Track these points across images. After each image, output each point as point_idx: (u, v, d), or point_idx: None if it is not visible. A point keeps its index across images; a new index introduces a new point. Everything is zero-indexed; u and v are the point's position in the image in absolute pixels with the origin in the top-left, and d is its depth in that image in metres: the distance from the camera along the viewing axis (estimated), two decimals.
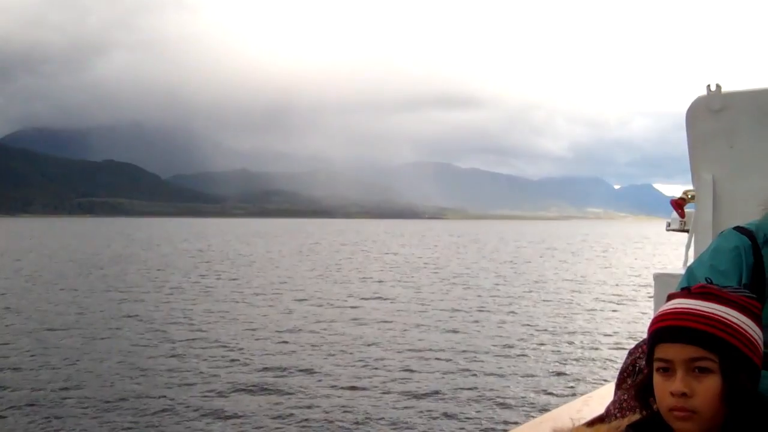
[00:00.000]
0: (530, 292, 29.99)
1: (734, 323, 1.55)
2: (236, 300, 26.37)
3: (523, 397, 12.82)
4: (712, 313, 1.55)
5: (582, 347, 17.62)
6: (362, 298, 27.27)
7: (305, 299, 26.75)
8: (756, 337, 1.58)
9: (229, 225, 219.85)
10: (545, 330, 19.98)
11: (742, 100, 3.73)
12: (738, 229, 1.94)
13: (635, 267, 45.81)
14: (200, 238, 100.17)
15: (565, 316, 22.82)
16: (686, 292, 1.62)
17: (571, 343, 18.17)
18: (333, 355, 16.28)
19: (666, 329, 1.57)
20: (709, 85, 3.80)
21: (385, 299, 27.02)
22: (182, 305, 24.82)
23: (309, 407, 11.96)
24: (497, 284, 33.33)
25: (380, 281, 34.80)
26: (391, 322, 21.27)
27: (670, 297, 1.65)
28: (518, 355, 16.45)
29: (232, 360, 15.66)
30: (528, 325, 20.93)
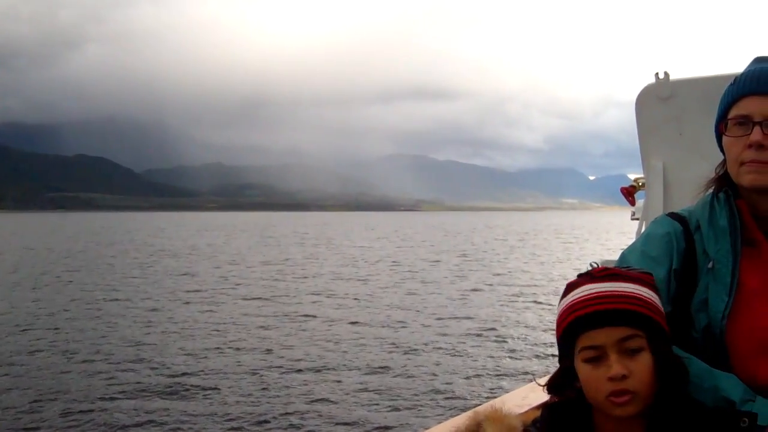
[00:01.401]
0: (485, 285, 29.08)
1: (649, 299, 1.58)
2: (173, 299, 25.12)
3: (461, 392, 12.10)
4: (631, 292, 1.56)
5: (526, 342, 16.70)
6: (308, 293, 26.18)
7: (247, 296, 25.58)
8: (663, 311, 1.63)
9: (200, 219, 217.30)
10: (493, 325, 19.01)
11: (690, 88, 3.79)
12: (671, 215, 1.97)
13: (598, 257, 45.15)
14: (165, 232, 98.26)
15: (516, 310, 21.91)
16: (589, 277, 1.61)
17: (517, 336, 17.27)
18: (252, 354, 15.20)
19: (590, 315, 1.55)
20: (657, 73, 3.86)
21: (332, 295, 25.91)
22: (116, 303, 23.56)
23: (212, 414, 10.90)
24: (454, 278, 32.41)
25: (334, 275, 33.73)
26: (330, 320, 20.14)
27: (571, 285, 1.63)
28: (457, 353, 15.48)
29: (143, 361, 14.52)
30: (473, 319, 19.99)
